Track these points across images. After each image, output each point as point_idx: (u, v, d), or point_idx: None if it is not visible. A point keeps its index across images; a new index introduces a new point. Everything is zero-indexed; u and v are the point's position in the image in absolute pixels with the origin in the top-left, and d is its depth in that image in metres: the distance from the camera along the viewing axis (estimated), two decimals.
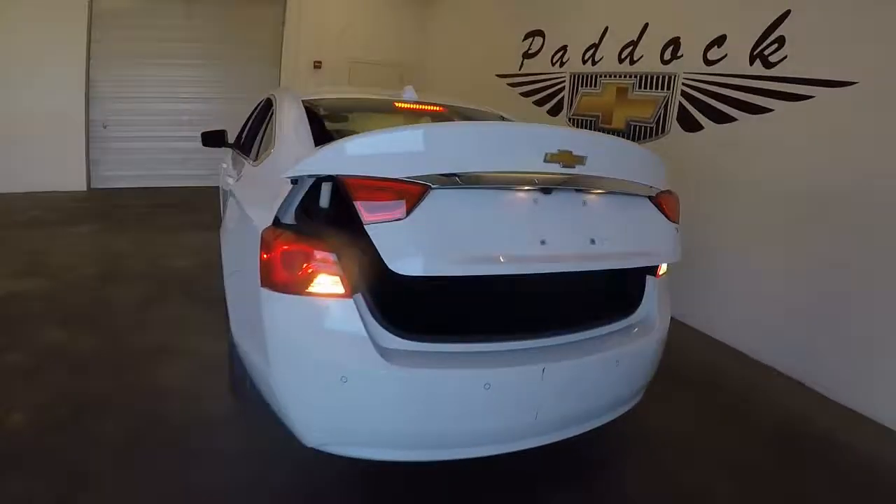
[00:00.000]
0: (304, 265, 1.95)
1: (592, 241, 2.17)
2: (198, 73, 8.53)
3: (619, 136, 5.37)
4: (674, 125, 4.90)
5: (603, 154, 2.19)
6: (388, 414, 2.00)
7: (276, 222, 2.05)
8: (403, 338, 2.00)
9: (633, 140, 5.28)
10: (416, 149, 1.98)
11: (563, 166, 2.05)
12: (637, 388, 2.55)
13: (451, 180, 1.92)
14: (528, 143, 2.08)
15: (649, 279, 2.60)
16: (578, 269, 2.17)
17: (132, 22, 7.89)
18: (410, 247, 1.87)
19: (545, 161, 2.02)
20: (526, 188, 2.08)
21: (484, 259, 1.96)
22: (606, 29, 5.63)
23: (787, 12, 3.89)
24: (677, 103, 4.85)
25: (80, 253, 5.24)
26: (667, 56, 4.91)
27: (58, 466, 2.41)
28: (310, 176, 2.04)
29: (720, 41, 4.40)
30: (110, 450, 2.55)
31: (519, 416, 2.15)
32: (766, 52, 4.04)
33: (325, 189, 2.15)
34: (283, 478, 2.45)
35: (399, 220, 1.85)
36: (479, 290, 2.46)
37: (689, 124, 4.75)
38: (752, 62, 4.15)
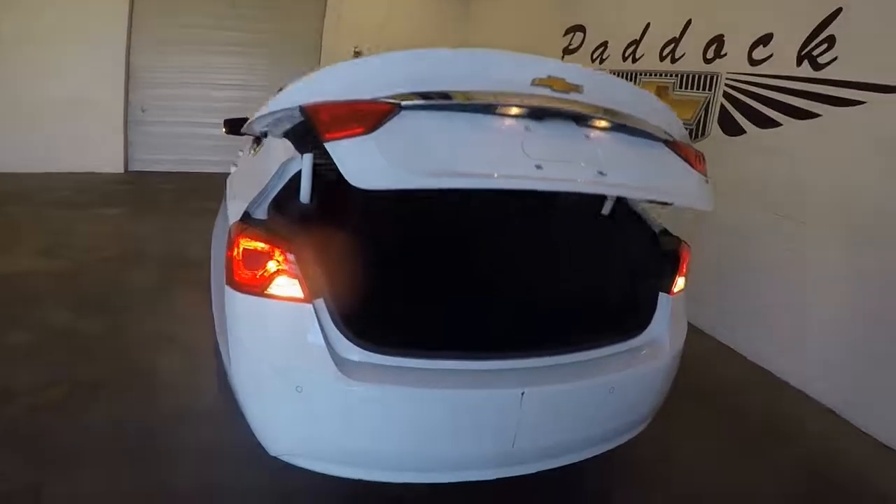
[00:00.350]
0: (263, 265, 1.82)
1: (601, 173, 1.87)
2: (237, 61, 8.54)
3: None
4: (714, 128, 4.62)
5: (604, 87, 1.97)
6: (346, 430, 1.86)
7: (246, 217, 1.93)
8: (366, 349, 1.85)
9: None
10: (386, 72, 1.76)
11: (555, 91, 1.81)
12: (639, 417, 2.32)
13: (425, 100, 1.71)
14: (514, 67, 1.84)
15: (662, 297, 2.37)
16: (585, 191, 2.05)
17: (174, 8, 7.95)
18: (377, 159, 1.61)
19: (533, 84, 1.79)
20: (513, 112, 1.83)
21: (466, 173, 1.71)
22: (648, 25, 5.36)
23: (839, 10, 3.58)
24: (719, 105, 4.56)
25: (103, 234, 5.27)
26: (709, 55, 4.62)
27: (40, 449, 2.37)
28: (275, 120, 1.89)
29: (766, 40, 4.10)
30: (94, 436, 2.51)
31: (492, 443, 1.96)
32: (814, 53, 3.73)
33: (305, 181, 2.03)
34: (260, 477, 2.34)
35: (362, 135, 1.61)
36: (458, 289, 2.32)
37: (731, 128, 4.46)
38: (799, 63, 3.84)
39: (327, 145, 1.60)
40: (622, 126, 1.99)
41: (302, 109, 1.69)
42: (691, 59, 4.83)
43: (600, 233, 2.72)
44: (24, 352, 3.14)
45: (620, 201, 2.64)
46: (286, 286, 1.82)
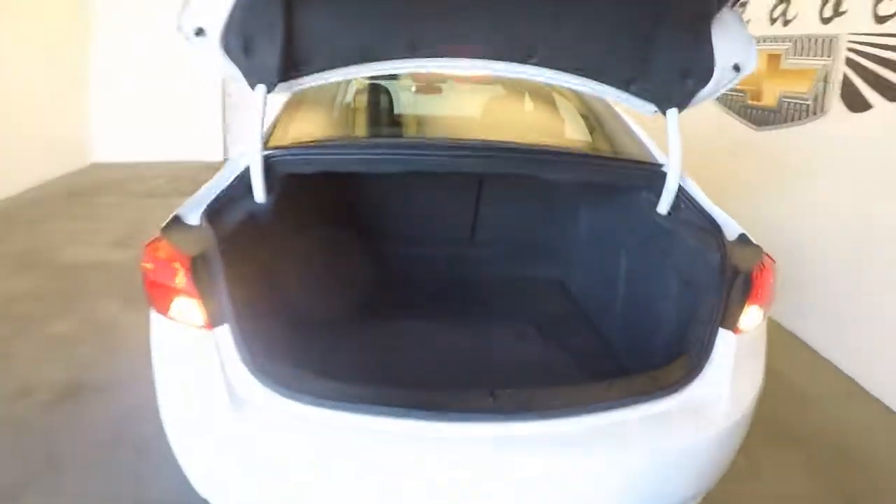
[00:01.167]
0: (166, 281, 1.55)
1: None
2: None
3: (769, 114, 4.43)
4: (835, 102, 3.83)
5: None
6: (254, 488, 1.54)
7: (175, 222, 1.66)
8: (277, 391, 1.49)
9: (787, 123, 4.28)
10: None
11: None
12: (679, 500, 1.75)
13: None
14: None
15: (724, 336, 1.73)
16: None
17: None
18: None
19: None
20: None
21: None
22: None
23: None
24: (840, 74, 3.77)
25: None
26: (827, 13, 3.82)
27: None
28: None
29: None
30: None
31: None
32: None
33: (256, 174, 1.79)
34: None
35: None
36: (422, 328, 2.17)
37: (855, 102, 3.66)
38: None
39: None
40: None
41: None
42: (806, 20, 4.04)
43: (639, 234, 2.26)
44: (59, 342, 3.19)
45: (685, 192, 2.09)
46: (185, 308, 1.55)
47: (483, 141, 2.34)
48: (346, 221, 2.87)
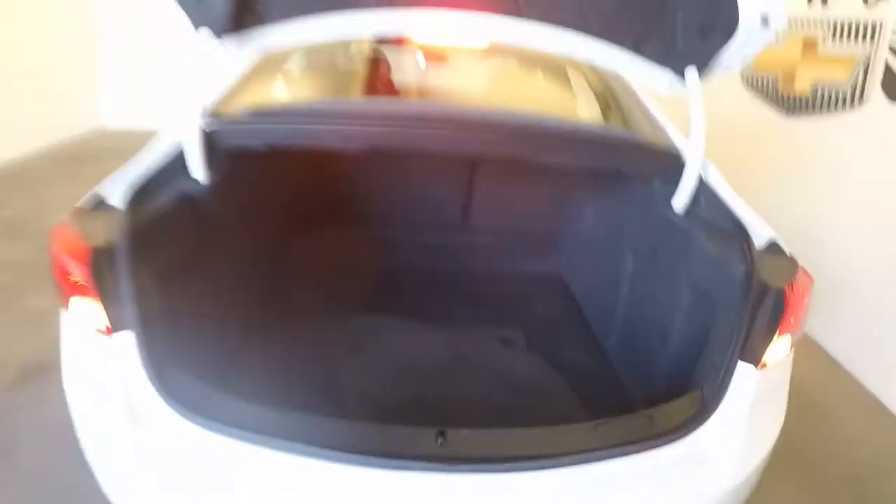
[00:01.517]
0: (68, 275, 1.34)
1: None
2: None
3: (802, 102, 4.13)
4: (875, 92, 3.53)
5: None
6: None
7: (93, 201, 1.44)
8: (178, 410, 1.27)
9: (820, 112, 3.98)
10: None
11: None
12: None
13: None
14: None
15: (743, 370, 1.44)
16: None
17: None
18: None
19: None
20: None
21: None
22: None
23: None
24: (883, 62, 3.46)
25: None
26: None
27: None
28: None
29: None
30: None
31: None
32: None
33: (192, 148, 1.58)
34: None
35: None
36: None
37: None
38: None
39: None
40: None
41: None
42: (847, 2, 3.72)
43: (649, 233, 2.00)
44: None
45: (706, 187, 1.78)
46: (82, 308, 1.35)
47: (468, 111, 1.96)
48: (316, 203, 2.63)
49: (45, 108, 6.36)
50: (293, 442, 1.21)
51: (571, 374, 2.04)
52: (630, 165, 1.93)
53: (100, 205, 1.42)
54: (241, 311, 1.96)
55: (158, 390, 1.28)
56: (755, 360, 1.44)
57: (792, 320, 1.47)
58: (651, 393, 1.66)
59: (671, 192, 1.79)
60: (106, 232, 1.34)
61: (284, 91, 2.55)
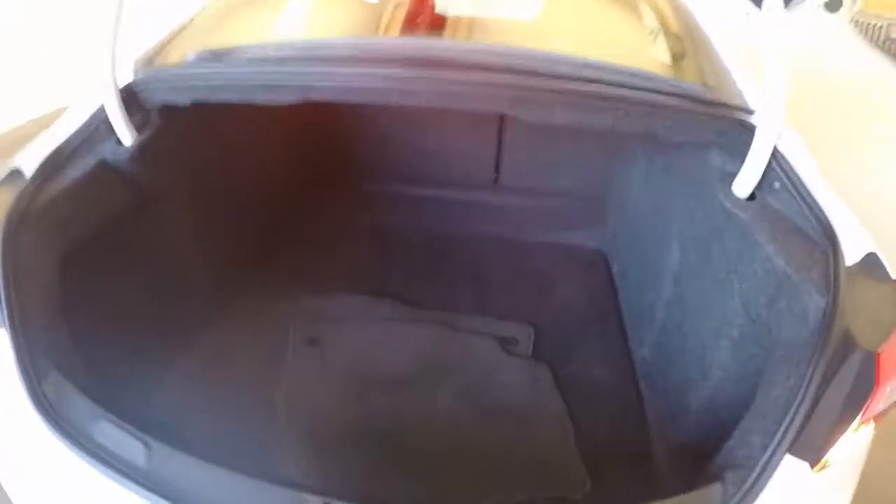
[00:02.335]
0: None
1: None
2: None
3: None
4: None
5: None
6: None
7: (12, 176, 1.25)
8: (46, 420, 1.04)
9: None
10: None
11: None
12: None
13: None
14: None
15: (793, 468, 0.95)
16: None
17: None
18: None
19: None
20: None
21: None
22: None
23: None
24: None
25: None
26: None
27: None
28: None
29: None
30: None
31: None
32: None
33: (113, 109, 1.35)
34: None
35: None
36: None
37: None
38: None
39: None
40: None
41: None
42: None
43: (699, 221, 1.46)
44: None
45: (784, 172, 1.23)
46: None
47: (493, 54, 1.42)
48: (297, 160, 2.27)
49: None
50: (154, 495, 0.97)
51: (579, 397, 1.62)
52: (680, 130, 1.34)
53: (13, 176, 1.23)
54: (181, 301, 1.67)
55: (28, 392, 1.05)
56: (812, 457, 0.95)
57: (882, 404, 0.97)
58: (676, 437, 1.30)
59: (734, 170, 1.28)
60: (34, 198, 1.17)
61: (291, 27, 2.12)
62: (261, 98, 1.36)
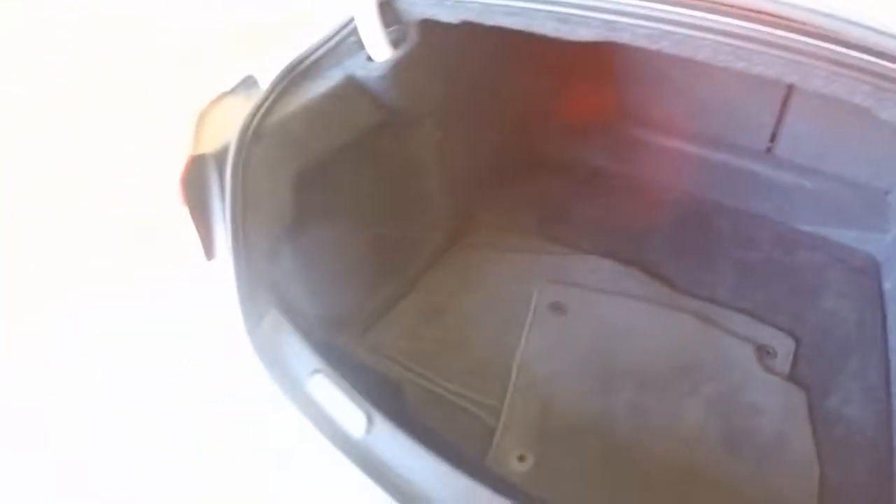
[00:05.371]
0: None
1: None
2: None
3: None
4: None
5: None
6: None
7: (246, 85, 1.21)
8: (272, 374, 0.98)
9: None
10: None
11: None
12: None
13: None
14: None
15: None
16: None
17: None
18: None
19: None
20: None
21: None
22: None
23: None
24: None
25: None
26: None
27: None
28: None
29: None
30: None
31: None
32: None
33: (369, 19, 1.23)
34: None
35: None
36: None
37: None
38: None
39: None
40: None
41: None
42: None
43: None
44: None
45: None
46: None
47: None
48: (556, 95, 2.06)
49: None
50: None
51: (830, 440, 1.36)
52: None
53: (247, 83, 1.15)
54: (417, 233, 1.58)
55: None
56: None
57: None
58: None
59: None
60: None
61: None
62: (550, 29, 1.16)
